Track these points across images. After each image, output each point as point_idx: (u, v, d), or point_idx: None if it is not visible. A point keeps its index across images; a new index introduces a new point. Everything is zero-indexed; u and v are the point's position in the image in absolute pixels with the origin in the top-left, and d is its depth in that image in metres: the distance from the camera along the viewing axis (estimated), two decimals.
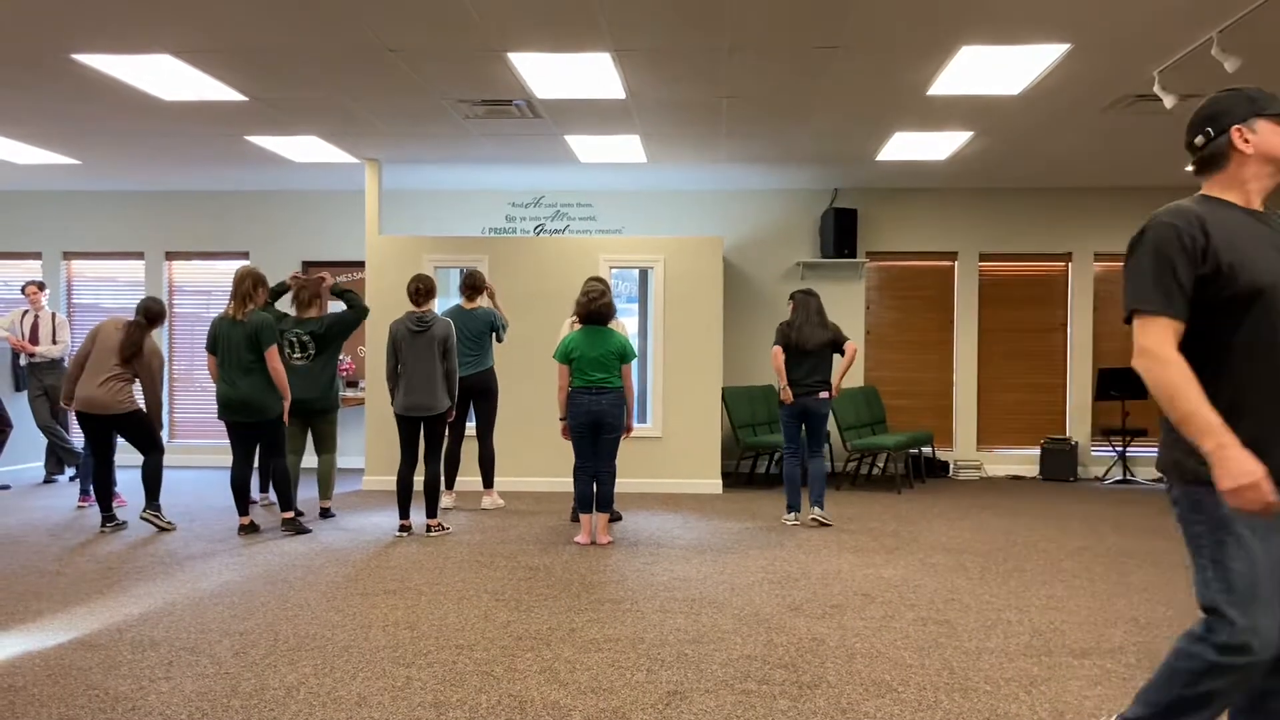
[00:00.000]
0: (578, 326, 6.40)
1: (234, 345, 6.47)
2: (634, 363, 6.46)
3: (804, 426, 7.04)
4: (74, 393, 6.70)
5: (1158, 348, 2.28)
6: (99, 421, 6.69)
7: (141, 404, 6.78)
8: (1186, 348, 2.33)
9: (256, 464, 6.91)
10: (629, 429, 6.41)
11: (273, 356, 6.49)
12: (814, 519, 7.10)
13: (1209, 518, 2.31)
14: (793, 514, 7.16)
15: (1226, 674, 2.28)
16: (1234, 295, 2.28)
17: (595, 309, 6.27)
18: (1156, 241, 2.33)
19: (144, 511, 6.77)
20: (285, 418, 6.67)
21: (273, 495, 8.00)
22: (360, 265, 10.29)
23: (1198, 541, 2.35)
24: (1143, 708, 2.43)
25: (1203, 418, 2.19)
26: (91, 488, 7.86)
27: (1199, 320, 2.33)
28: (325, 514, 7.31)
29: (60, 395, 8.96)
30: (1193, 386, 2.22)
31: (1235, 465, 2.15)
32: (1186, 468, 2.34)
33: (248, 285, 6.55)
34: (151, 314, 6.90)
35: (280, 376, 6.54)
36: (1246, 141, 2.39)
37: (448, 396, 6.60)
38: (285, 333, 7.11)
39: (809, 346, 6.94)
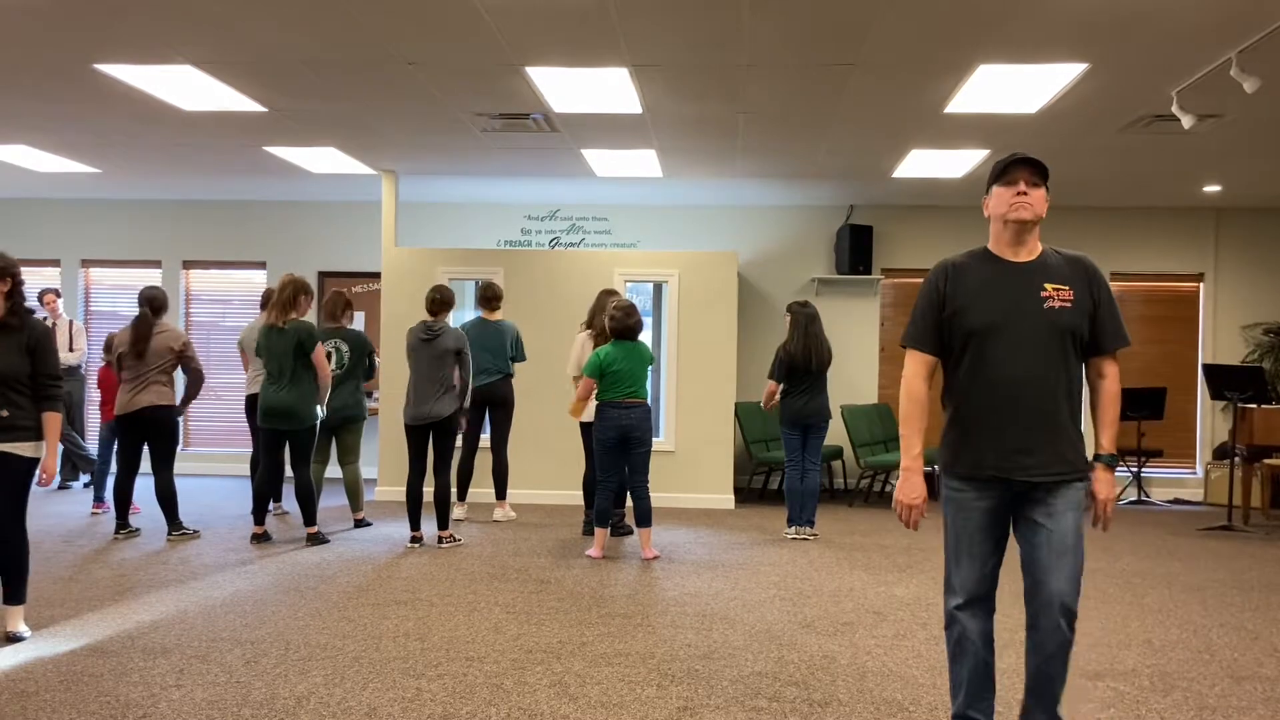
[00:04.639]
0: (600, 341, 6.37)
1: (276, 353, 6.46)
2: (649, 369, 6.47)
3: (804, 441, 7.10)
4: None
5: (912, 377, 2.99)
6: (133, 425, 6.65)
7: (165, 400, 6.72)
8: (949, 370, 2.96)
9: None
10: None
11: (319, 355, 6.50)
12: (798, 535, 7.13)
13: (945, 498, 3.04)
14: (794, 527, 7.16)
15: (955, 613, 3.03)
16: (960, 334, 2.89)
17: (631, 324, 6.28)
18: (923, 289, 2.98)
19: (171, 534, 6.77)
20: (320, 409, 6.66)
21: (286, 505, 8.02)
22: (376, 276, 10.32)
23: (944, 508, 3.06)
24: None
25: (909, 442, 2.94)
26: (107, 495, 7.90)
27: (952, 349, 2.93)
28: (360, 524, 7.32)
29: (77, 403, 9.08)
30: (918, 420, 2.94)
31: (909, 486, 2.95)
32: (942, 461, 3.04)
33: (288, 293, 6.51)
34: (155, 303, 6.74)
35: (326, 374, 6.57)
36: (986, 206, 3.00)
37: (457, 404, 6.61)
38: (324, 342, 7.05)
39: (815, 366, 7.01)
